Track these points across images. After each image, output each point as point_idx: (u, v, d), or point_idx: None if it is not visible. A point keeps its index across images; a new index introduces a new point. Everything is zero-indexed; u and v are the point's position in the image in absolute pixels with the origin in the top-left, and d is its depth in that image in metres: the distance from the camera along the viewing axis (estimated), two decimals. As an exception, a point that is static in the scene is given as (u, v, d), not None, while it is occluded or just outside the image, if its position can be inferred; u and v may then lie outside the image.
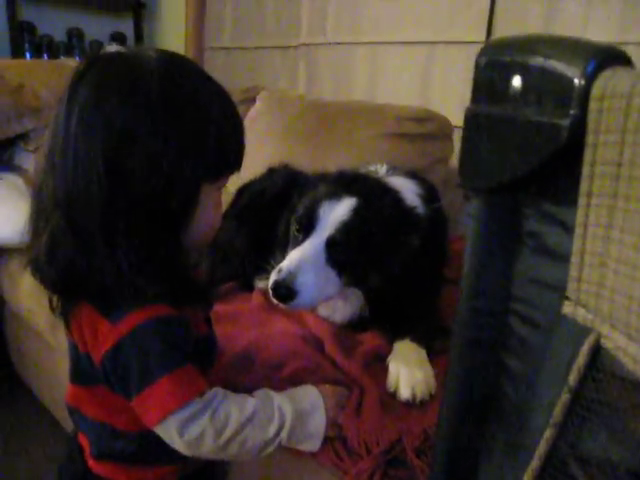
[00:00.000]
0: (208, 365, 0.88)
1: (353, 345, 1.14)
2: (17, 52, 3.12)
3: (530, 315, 0.53)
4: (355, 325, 1.23)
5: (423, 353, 1.10)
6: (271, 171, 1.59)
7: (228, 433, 0.78)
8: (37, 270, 0.77)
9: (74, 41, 3.39)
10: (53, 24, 3.33)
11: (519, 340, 0.54)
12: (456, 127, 1.98)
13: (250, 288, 1.45)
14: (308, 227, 1.12)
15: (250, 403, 0.82)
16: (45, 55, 3.25)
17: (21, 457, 1.77)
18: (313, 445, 0.88)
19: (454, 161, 2.05)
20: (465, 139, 0.54)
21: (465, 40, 2.14)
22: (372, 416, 0.95)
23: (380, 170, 1.30)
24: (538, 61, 0.46)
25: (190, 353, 0.78)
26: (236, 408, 0.80)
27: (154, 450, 0.85)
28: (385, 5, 2.39)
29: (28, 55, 3.19)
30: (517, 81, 0.47)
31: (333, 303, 1.22)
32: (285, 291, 1.03)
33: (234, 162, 0.81)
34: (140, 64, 0.73)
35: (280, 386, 1.01)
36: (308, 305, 1.11)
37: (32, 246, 0.77)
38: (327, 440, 0.91)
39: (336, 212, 1.10)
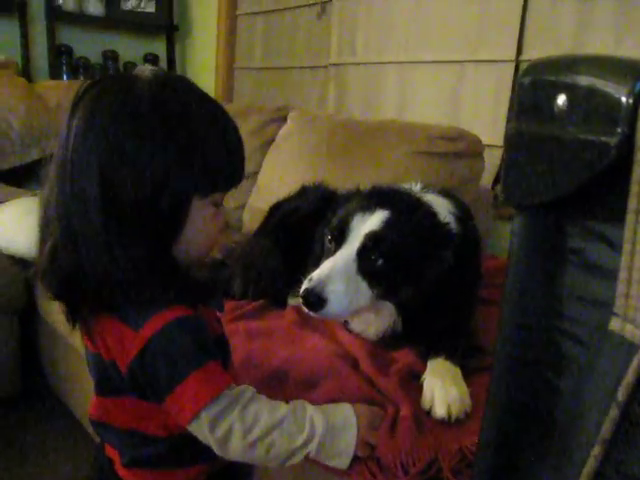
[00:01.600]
0: (224, 365, 0.88)
1: (387, 363, 1.14)
2: (55, 74, 3.22)
3: (575, 331, 0.53)
4: (388, 341, 1.23)
5: (458, 371, 1.10)
6: (304, 189, 1.60)
7: (256, 433, 0.79)
8: (42, 279, 0.80)
9: (109, 63, 3.48)
10: (89, 47, 3.43)
11: (563, 357, 0.54)
12: (487, 146, 1.98)
13: (283, 305, 1.46)
14: (340, 238, 1.13)
15: (282, 409, 0.83)
16: (81, 76, 3.34)
17: (52, 469, 1.79)
18: (342, 463, 0.88)
19: (484, 180, 2.05)
20: (508, 157, 0.54)
21: (495, 59, 2.15)
22: (407, 435, 0.94)
23: (414, 188, 1.31)
24: (584, 80, 0.47)
25: (212, 350, 0.81)
26: (267, 410, 0.81)
27: (184, 452, 0.87)
28: (414, 25, 2.42)
29: (65, 77, 3.28)
30: (562, 100, 0.48)
31: (366, 317, 1.22)
32: (315, 299, 1.04)
33: (228, 179, 0.83)
34: (134, 84, 0.77)
35: (317, 402, 1.02)
36: (338, 314, 1.11)
37: (39, 256, 0.81)
38: (360, 459, 0.91)
39: (368, 223, 1.11)
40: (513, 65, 2.08)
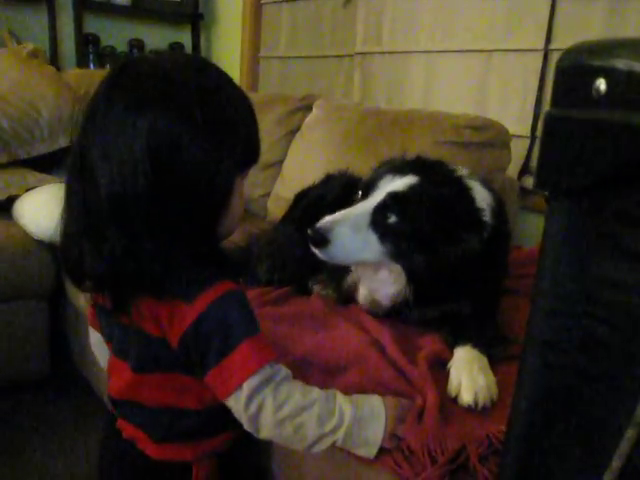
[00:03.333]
0: None
1: (413, 350, 1.15)
2: (82, 63, 3.26)
3: (608, 316, 0.53)
4: (399, 311, 1.25)
5: (485, 360, 1.10)
6: (329, 177, 1.61)
7: (286, 411, 0.81)
8: (75, 269, 0.83)
9: (135, 51, 3.51)
10: (116, 36, 3.46)
11: (596, 341, 0.54)
12: (513, 136, 1.97)
13: (307, 292, 1.47)
14: (366, 194, 1.16)
15: (314, 392, 0.85)
16: (107, 65, 3.37)
17: (80, 449, 1.83)
18: (369, 452, 0.89)
19: (510, 171, 2.03)
20: (544, 142, 0.54)
21: (523, 48, 2.12)
22: (434, 423, 0.94)
23: (461, 171, 1.30)
24: (623, 64, 0.47)
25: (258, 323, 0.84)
26: (299, 391, 0.83)
27: (215, 423, 0.91)
28: (441, 13, 2.40)
29: (92, 65, 3.32)
30: (601, 84, 0.48)
31: (378, 277, 1.22)
32: (319, 238, 1.08)
33: (258, 155, 0.89)
34: (174, 71, 0.78)
35: (342, 391, 1.03)
36: (340, 257, 1.13)
37: (65, 247, 0.83)
38: (385, 449, 0.92)
39: (394, 184, 1.13)
40: (542, 54, 2.05)
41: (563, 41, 2.00)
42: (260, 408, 0.80)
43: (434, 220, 1.10)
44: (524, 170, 2.15)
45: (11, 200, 2.07)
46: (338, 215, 1.11)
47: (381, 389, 1.02)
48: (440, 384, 1.05)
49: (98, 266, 0.78)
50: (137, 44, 3.52)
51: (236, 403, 0.81)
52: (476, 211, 1.16)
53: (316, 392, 0.86)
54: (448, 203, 1.12)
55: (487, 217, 1.17)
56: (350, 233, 1.09)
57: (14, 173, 2.31)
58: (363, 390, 1.00)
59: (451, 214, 1.12)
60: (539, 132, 2.05)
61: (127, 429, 0.94)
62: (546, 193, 0.57)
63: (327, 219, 1.10)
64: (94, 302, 0.94)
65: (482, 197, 1.22)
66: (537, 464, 0.64)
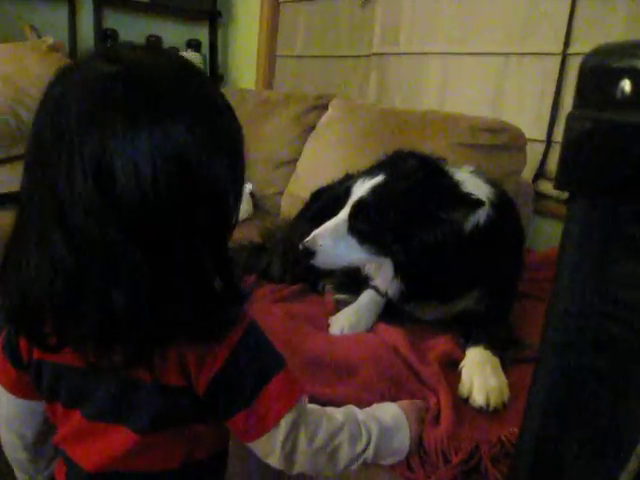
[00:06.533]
0: None
1: (425, 350, 1.15)
2: (100, 57, 3.27)
3: (626, 317, 0.53)
4: (400, 302, 1.28)
5: (497, 361, 1.10)
6: (348, 177, 1.61)
7: (320, 441, 0.76)
8: (38, 324, 0.67)
9: (152, 48, 3.52)
10: (134, 31, 3.48)
11: (613, 342, 0.54)
12: (529, 140, 1.96)
13: (320, 290, 1.48)
14: (345, 201, 1.26)
15: (338, 414, 0.81)
16: (125, 60, 3.39)
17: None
18: (397, 460, 0.89)
19: (525, 174, 2.02)
20: (566, 142, 0.54)
21: (541, 52, 2.12)
22: (449, 424, 0.95)
23: (463, 168, 1.31)
24: (649, 66, 0.47)
25: None
26: (324, 417, 0.79)
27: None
28: (458, 16, 2.39)
29: (110, 60, 3.34)
30: (626, 85, 0.48)
31: (378, 269, 1.30)
32: (305, 250, 1.20)
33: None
34: (190, 88, 0.66)
35: (354, 390, 1.03)
36: (326, 264, 1.24)
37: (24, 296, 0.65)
38: None
39: (362, 189, 1.23)
40: (560, 58, 2.04)
41: (581, 45, 1.99)
42: (295, 444, 0.75)
43: (401, 211, 1.17)
44: (539, 174, 2.14)
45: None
46: (321, 228, 1.23)
47: (394, 388, 1.02)
48: (452, 384, 1.05)
49: (102, 318, 0.62)
50: (155, 40, 3.53)
51: (270, 441, 0.74)
52: (453, 188, 1.18)
53: (339, 414, 0.81)
54: (412, 191, 1.17)
55: (476, 196, 1.16)
56: (332, 242, 1.20)
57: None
58: (376, 389, 1.01)
59: (418, 200, 1.16)
60: (555, 136, 2.05)
61: None
62: (566, 194, 0.57)
63: (312, 233, 1.22)
64: (33, 360, 0.76)
65: (477, 188, 1.22)
66: (550, 466, 0.64)
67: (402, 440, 0.88)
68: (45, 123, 0.62)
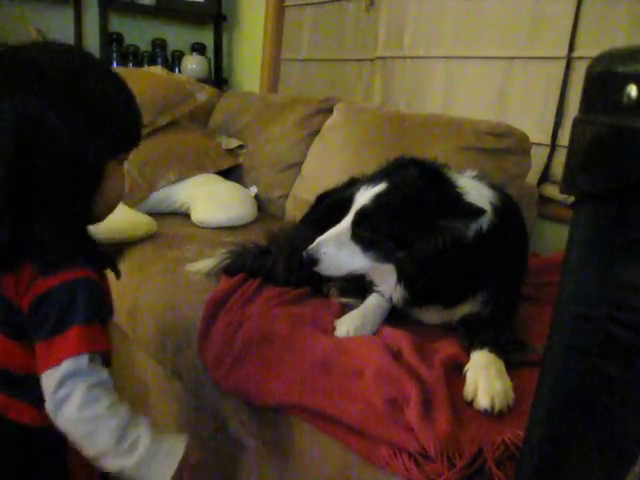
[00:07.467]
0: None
1: (430, 353, 1.15)
2: (105, 61, 3.29)
3: (632, 321, 0.53)
4: (404, 307, 1.29)
5: (502, 364, 1.10)
6: (353, 181, 1.61)
7: (89, 413, 0.85)
8: None
9: (157, 51, 3.54)
10: (139, 35, 3.50)
11: (618, 345, 0.55)
12: (533, 144, 1.96)
13: (325, 294, 1.48)
14: (348, 208, 1.27)
15: (123, 408, 0.89)
16: (130, 63, 3.41)
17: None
18: None
19: (529, 179, 2.03)
20: (572, 146, 0.55)
21: (545, 56, 2.12)
22: (450, 427, 0.95)
23: (467, 173, 1.32)
24: (655, 71, 0.47)
25: (102, 318, 0.91)
26: (109, 400, 0.87)
27: None
28: (463, 20, 2.40)
29: (115, 63, 3.36)
30: (632, 90, 0.48)
31: (382, 276, 1.29)
32: (309, 258, 1.21)
33: (134, 139, 0.96)
34: (43, 57, 0.85)
35: (360, 391, 1.03)
36: (330, 272, 1.25)
37: None
38: (398, 452, 0.93)
39: (364, 197, 1.23)
40: (564, 62, 2.04)
41: (586, 49, 2.00)
42: (67, 397, 0.84)
43: (403, 220, 1.17)
44: (543, 178, 2.14)
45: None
46: (324, 236, 1.24)
47: (396, 391, 1.02)
48: (456, 387, 1.06)
49: None
50: (160, 44, 3.56)
51: (48, 380, 0.85)
52: (454, 198, 1.18)
53: (123, 410, 0.89)
54: (413, 200, 1.17)
55: (478, 205, 1.17)
56: (335, 250, 1.21)
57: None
58: (380, 390, 1.01)
59: (419, 209, 1.16)
60: (559, 140, 2.06)
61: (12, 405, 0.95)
62: (571, 198, 0.57)
63: (316, 240, 1.23)
64: None
65: (479, 194, 1.23)
66: (555, 469, 0.65)
67: (164, 474, 0.90)
68: None
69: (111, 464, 0.88)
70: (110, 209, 0.97)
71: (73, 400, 0.84)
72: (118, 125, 0.90)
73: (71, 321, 0.85)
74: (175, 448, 0.93)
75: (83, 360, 0.85)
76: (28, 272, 0.86)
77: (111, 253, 1.05)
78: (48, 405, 0.86)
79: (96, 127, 0.86)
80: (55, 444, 0.96)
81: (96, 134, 0.86)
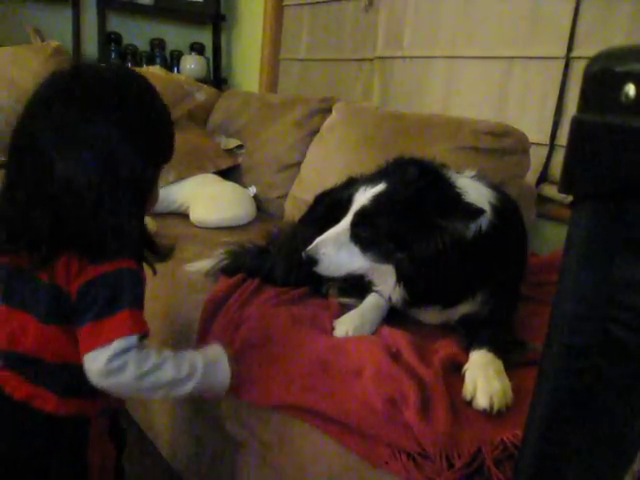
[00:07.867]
0: None
1: (429, 353, 1.15)
2: (104, 61, 3.29)
3: (630, 320, 0.53)
4: (403, 307, 1.30)
5: (500, 364, 1.10)
6: (351, 180, 1.61)
7: (147, 365, 0.93)
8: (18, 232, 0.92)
9: (156, 51, 3.54)
10: (137, 35, 3.50)
11: (616, 344, 0.55)
12: (532, 144, 1.96)
13: (324, 294, 1.48)
14: (347, 208, 1.28)
15: (166, 350, 0.99)
16: (129, 63, 3.40)
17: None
18: (220, 392, 1.09)
19: (528, 178, 2.03)
20: (570, 146, 0.55)
21: (544, 55, 2.12)
22: (448, 427, 0.95)
23: (465, 173, 1.32)
24: (653, 70, 0.47)
25: (143, 302, 0.98)
26: (156, 349, 0.96)
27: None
28: (462, 19, 2.40)
29: (113, 64, 3.35)
30: (631, 90, 0.48)
31: (380, 276, 1.30)
32: (308, 259, 1.23)
33: (173, 151, 1.06)
34: (123, 83, 0.98)
35: (359, 391, 1.03)
36: (329, 272, 1.26)
37: (8, 216, 0.94)
38: (397, 452, 0.93)
39: (363, 197, 1.24)
40: (563, 62, 2.05)
41: (585, 49, 2.00)
42: (122, 367, 0.90)
43: (402, 220, 1.18)
44: (542, 178, 2.14)
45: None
46: (324, 236, 1.25)
47: (396, 390, 1.02)
48: (455, 387, 1.06)
49: (41, 228, 0.90)
50: (159, 43, 3.56)
51: (97, 356, 0.90)
52: (453, 198, 1.18)
53: (167, 351, 0.99)
54: (412, 200, 1.17)
55: (477, 205, 1.16)
56: (334, 250, 1.22)
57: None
58: (380, 390, 1.01)
59: (418, 209, 1.17)
60: (558, 140, 2.06)
61: (21, 388, 0.98)
62: (570, 198, 0.57)
63: (315, 241, 1.24)
64: None
65: (478, 194, 1.23)
66: (554, 468, 0.64)
67: (224, 373, 1.06)
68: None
69: (182, 391, 0.99)
70: (152, 208, 1.07)
71: (130, 366, 0.91)
72: (168, 143, 1.04)
73: (121, 304, 0.92)
74: (218, 352, 1.09)
75: (133, 340, 0.92)
76: (76, 260, 0.92)
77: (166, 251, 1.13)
78: (96, 377, 0.91)
79: (156, 149, 1.00)
80: (76, 436, 1.02)
81: (155, 155, 1.00)
